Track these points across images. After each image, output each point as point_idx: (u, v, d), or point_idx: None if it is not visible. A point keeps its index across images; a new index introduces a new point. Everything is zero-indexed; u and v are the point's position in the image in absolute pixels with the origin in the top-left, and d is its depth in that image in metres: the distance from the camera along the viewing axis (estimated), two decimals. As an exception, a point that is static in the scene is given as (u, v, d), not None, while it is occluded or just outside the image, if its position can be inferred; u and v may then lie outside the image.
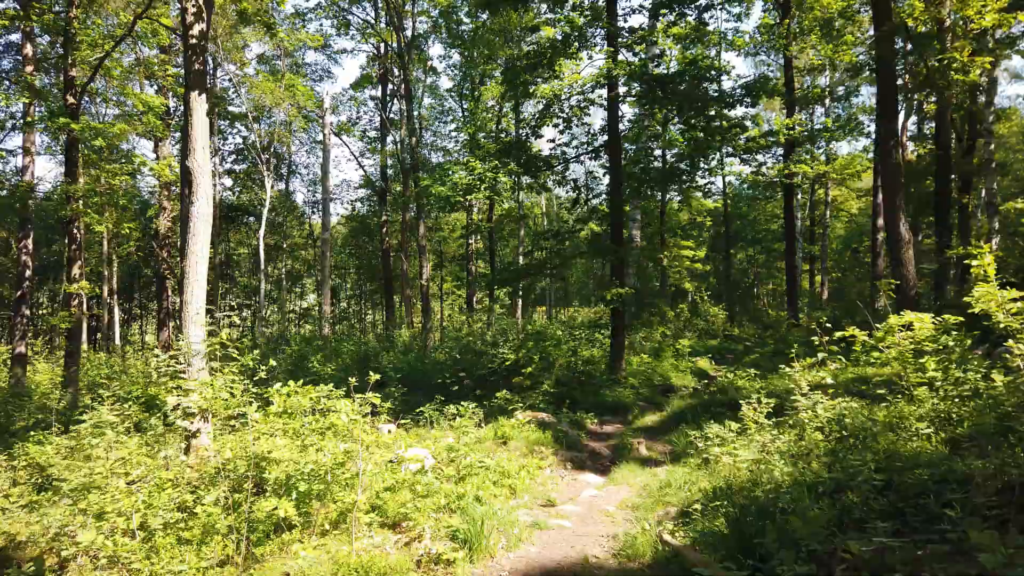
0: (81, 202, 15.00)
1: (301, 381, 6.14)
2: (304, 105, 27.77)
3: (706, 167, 13.69)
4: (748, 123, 13.29)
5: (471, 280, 29.30)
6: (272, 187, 25.66)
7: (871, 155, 30.99)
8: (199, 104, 8.37)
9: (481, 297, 30.75)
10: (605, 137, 13.72)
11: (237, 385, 6.36)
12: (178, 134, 23.52)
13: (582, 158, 14.33)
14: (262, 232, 23.80)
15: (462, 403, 9.09)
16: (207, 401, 6.40)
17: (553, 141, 13.39)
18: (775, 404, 6.05)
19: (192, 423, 7.46)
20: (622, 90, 12.51)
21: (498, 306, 26.73)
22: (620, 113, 13.41)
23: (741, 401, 6.39)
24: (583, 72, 12.02)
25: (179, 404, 6.75)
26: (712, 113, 12.23)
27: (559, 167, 13.28)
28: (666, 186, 13.31)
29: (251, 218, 35.79)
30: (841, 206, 37.34)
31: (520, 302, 27.84)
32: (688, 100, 11.59)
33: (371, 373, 5.56)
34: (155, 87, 23.45)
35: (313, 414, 6.17)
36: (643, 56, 12.68)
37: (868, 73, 19.56)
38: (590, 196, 14.20)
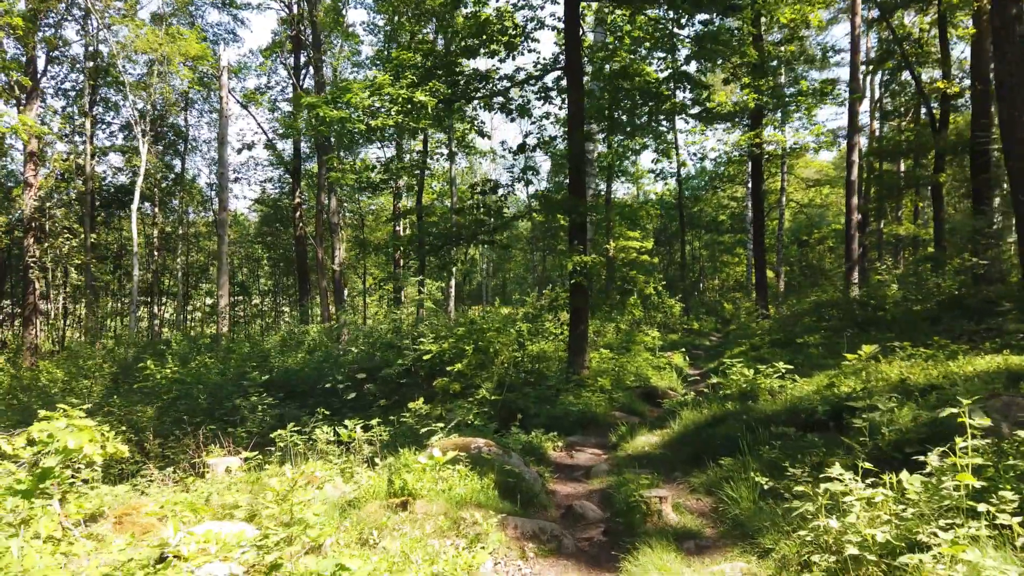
0: None
1: None
2: (197, 63, 23.29)
3: (704, 92, 10.54)
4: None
5: (397, 267, 25.71)
6: (149, 149, 21.07)
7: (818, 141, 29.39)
8: None
9: (410, 292, 27.20)
10: (558, 72, 10.43)
11: None
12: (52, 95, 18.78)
13: (529, 94, 10.99)
14: (135, 206, 19.26)
15: (346, 421, 5.50)
16: None
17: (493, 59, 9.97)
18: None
19: None
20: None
21: (428, 300, 23.26)
22: (582, 31, 10.14)
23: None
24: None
25: None
26: (704, 24, 9.10)
27: (500, 87, 9.80)
28: (649, 115, 10.14)
29: (146, 203, 30.94)
30: (790, 196, 35.89)
31: (453, 295, 24.47)
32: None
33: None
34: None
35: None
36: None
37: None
38: (542, 136, 10.83)
